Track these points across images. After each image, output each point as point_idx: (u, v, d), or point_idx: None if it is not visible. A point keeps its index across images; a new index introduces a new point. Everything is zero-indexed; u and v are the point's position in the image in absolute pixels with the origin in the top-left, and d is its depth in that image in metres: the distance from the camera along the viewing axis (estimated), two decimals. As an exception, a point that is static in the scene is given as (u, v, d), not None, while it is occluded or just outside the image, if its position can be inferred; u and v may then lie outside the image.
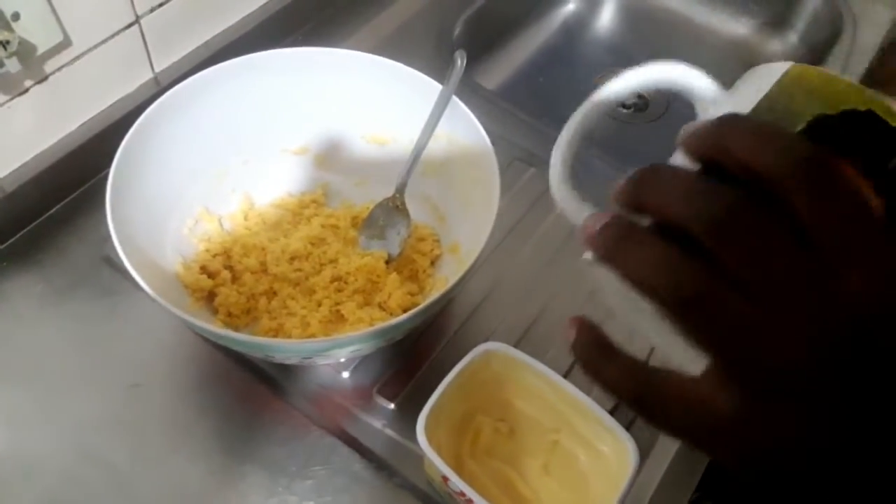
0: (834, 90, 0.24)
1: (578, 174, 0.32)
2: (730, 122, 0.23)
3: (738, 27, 1.04)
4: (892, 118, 0.23)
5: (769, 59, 0.99)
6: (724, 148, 0.23)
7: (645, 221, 0.25)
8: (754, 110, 0.25)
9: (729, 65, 0.99)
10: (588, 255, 0.26)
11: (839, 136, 0.24)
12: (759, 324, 0.22)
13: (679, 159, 0.26)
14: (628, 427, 0.50)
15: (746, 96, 0.26)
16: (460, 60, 0.60)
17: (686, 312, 0.22)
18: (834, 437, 0.22)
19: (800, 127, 0.24)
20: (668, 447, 0.57)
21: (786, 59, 1.07)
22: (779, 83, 0.25)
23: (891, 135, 0.23)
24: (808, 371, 0.22)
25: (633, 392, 0.25)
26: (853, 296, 0.21)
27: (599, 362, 0.26)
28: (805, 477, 0.23)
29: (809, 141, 0.22)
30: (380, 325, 0.49)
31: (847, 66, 0.88)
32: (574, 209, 0.30)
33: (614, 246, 0.24)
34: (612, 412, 0.51)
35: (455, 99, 0.60)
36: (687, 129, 0.25)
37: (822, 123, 0.24)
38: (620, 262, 0.24)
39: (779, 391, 0.22)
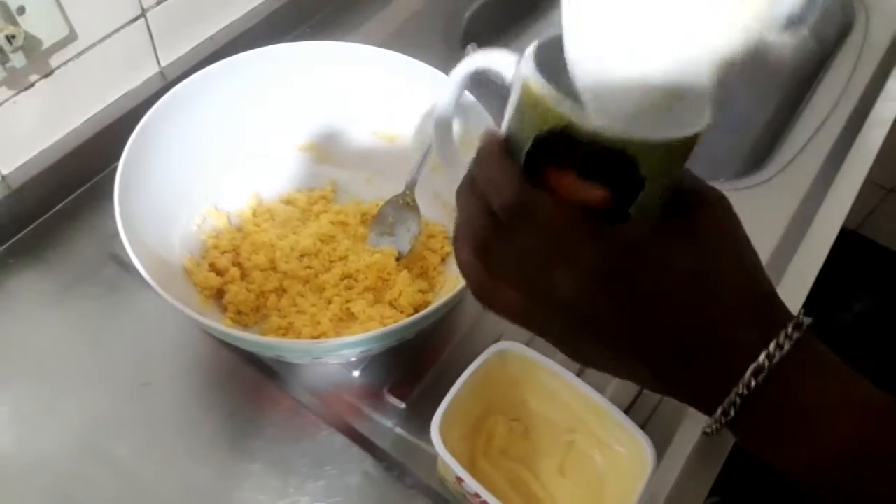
0: (543, 110, 0.30)
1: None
2: (479, 152, 0.33)
3: (748, 20, 1.03)
4: (577, 129, 0.29)
5: (780, 53, 0.98)
6: (475, 176, 0.33)
7: None
8: (507, 126, 0.32)
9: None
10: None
11: (552, 151, 0.30)
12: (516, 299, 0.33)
13: None
14: (643, 426, 0.49)
15: (511, 105, 0.32)
16: (472, 53, 0.59)
17: (473, 263, 0.34)
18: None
19: (527, 146, 0.31)
20: (684, 446, 0.56)
21: (797, 53, 1.06)
22: (518, 102, 0.31)
23: (586, 145, 0.29)
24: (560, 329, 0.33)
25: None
26: (561, 289, 0.31)
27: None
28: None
29: (531, 160, 0.31)
30: (392, 325, 0.49)
31: (859, 60, 0.87)
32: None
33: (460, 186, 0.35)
34: (627, 411, 0.50)
35: (466, 93, 0.59)
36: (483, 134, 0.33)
37: (540, 142, 0.30)
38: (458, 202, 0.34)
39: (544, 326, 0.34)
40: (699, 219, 0.32)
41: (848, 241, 0.74)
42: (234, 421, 0.57)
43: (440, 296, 0.60)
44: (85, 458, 0.54)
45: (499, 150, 0.32)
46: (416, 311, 0.58)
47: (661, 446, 0.53)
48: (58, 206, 0.67)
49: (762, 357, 0.30)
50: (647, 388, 0.35)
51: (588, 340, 0.32)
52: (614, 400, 0.50)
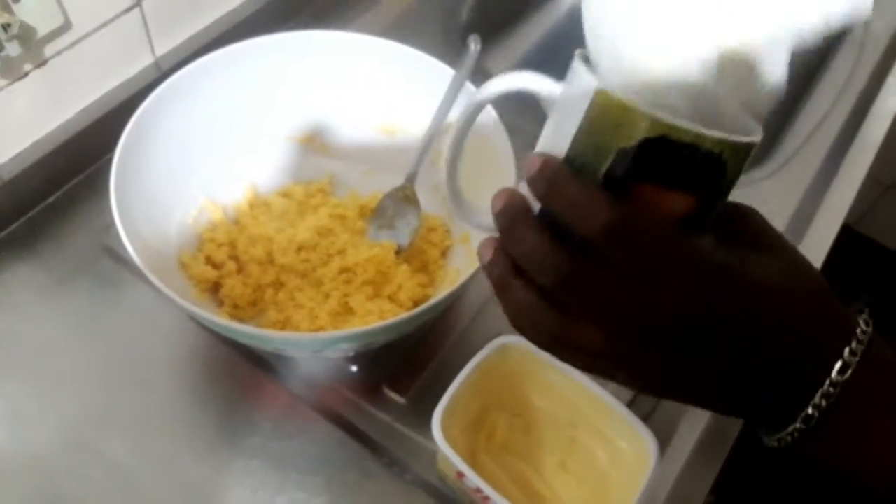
0: (630, 120, 0.27)
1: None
2: (548, 178, 0.30)
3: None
4: (680, 133, 0.27)
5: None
6: (549, 205, 0.30)
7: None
8: (572, 145, 0.30)
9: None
10: None
11: (641, 163, 0.28)
12: (603, 346, 0.30)
13: (525, 190, 0.32)
14: (645, 421, 0.48)
15: (566, 124, 0.30)
16: (474, 45, 0.58)
17: (551, 349, 0.32)
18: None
19: (607, 163, 0.28)
20: (685, 442, 0.56)
21: (798, 49, 1.06)
22: (587, 117, 0.29)
23: (683, 150, 0.27)
24: (647, 368, 0.31)
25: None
26: (665, 320, 0.29)
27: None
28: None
29: (610, 177, 0.28)
30: (392, 318, 0.48)
31: (861, 56, 0.87)
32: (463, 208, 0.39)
33: (498, 291, 0.32)
34: (629, 406, 0.50)
35: (469, 85, 0.59)
36: (527, 165, 0.31)
37: (626, 156, 0.28)
38: (504, 306, 0.32)
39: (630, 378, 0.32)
40: (747, 230, 0.31)
41: (846, 239, 0.73)
42: (230, 416, 0.56)
43: (440, 290, 0.59)
44: (79, 453, 0.53)
45: (568, 171, 0.30)
46: (416, 305, 0.58)
47: (663, 442, 0.52)
48: (51, 198, 0.66)
49: (839, 364, 0.29)
50: (716, 410, 0.33)
51: (683, 369, 0.30)
52: (616, 394, 0.49)
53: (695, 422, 0.57)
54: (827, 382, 0.29)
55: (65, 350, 0.58)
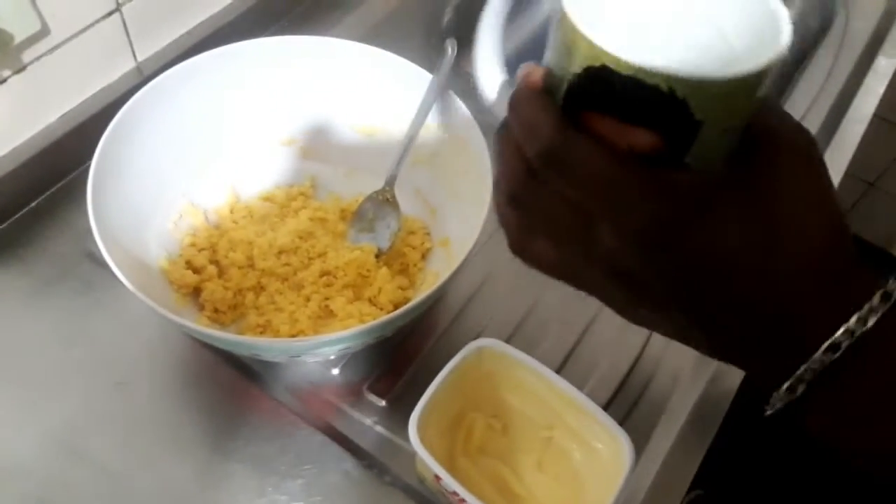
0: (577, 45, 0.26)
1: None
2: (513, 97, 0.29)
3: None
4: (620, 66, 0.26)
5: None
6: (509, 119, 0.29)
7: None
8: (545, 63, 0.29)
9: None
10: None
11: (589, 92, 0.27)
12: (554, 255, 0.31)
13: None
14: (622, 422, 0.49)
15: (550, 39, 0.29)
16: (451, 49, 0.59)
17: (509, 216, 0.32)
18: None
19: (564, 87, 0.28)
20: (663, 442, 0.56)
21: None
22: (554, 38, 0.28)
23: (629, 83, 0.26)
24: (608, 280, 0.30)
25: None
26: (604, 247, 0.28)
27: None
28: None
29: (568, 103, 0.28)
30: (370, 322, 0.48)
31: (839, 54, 0.88)
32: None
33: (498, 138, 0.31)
34: (606, 407, 0.50)
35: (447, 88, 0.59)
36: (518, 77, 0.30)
37: (578, 82, 0.27)
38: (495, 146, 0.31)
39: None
40: (773, 166, 0.28)
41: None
42: (212, 420, 0.56)
43: (420, 292, 0.60)
44: (61, 459, 0.54)
45: (536, 90, 0.29)
46: (396, 307, 0.58)
47: (640, 442, 0.53)
48: (32, 204, 0.66)
49: (840, 332, 0.27)
50: (702, 352, 0.31)
51: (631, 299, 0.30)
52: (593, 396, 0.50)
53: (672, 421, 0.58)
54: (839, 333, 0.27)
55: (47, 354, 0.58)
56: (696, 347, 0.31)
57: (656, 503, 0.54)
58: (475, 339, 0.51)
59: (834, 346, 0.27)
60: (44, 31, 0.60)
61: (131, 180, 0.57)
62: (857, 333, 0.27)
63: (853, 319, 0.27)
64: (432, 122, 0.61)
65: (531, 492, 0.50)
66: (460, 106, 0.58)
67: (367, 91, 0.64)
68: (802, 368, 0.27)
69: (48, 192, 0.67)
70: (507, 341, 0.51)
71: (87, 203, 0.51)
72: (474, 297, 0.64)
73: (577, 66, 0.27)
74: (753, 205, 0.27)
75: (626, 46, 0.25)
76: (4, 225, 0.65)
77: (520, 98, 0.29)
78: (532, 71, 0.29)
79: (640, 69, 0.25)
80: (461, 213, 0.60)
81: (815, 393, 0.28)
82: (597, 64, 0.26)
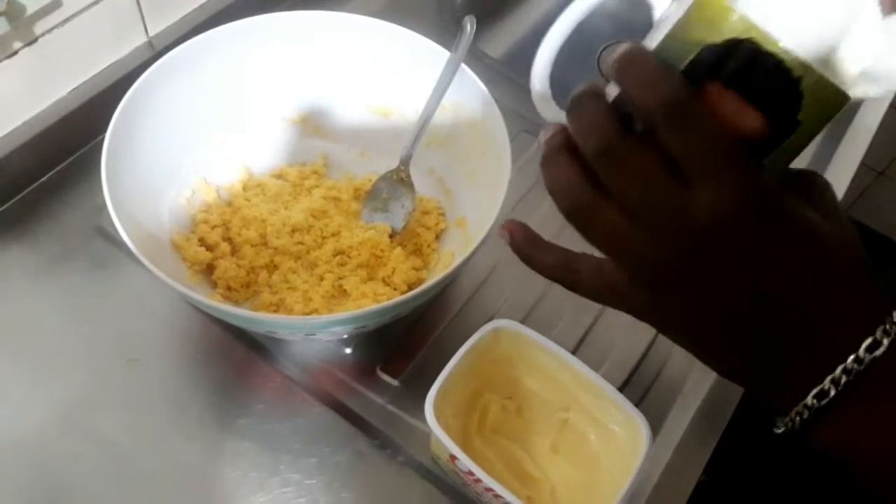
0: (723, 16, 0.27)
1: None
2: (626, 56, 0.28)
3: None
4: (767, 41, 0.26)
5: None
6: (620, 82, 0.28)
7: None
8: (662, 41, 0.28)
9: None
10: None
11: (723, 64, 0.27)
12: (626, 231, 0.29)
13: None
14: (637, 404, 0.49)
15: (662, 28, 0.29)
16: (469, 26, 0.58)
17: (574, 220, 0.30)
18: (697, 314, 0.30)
19: (689, 58, 0.27)
20: (678, 425, 0.56)
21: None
22: (686, 13, 0.28)
23: (767, 59, 0.26)
24: (667, 267, 0.29)
25: (561, 271, 0.32)
26: (699, 210, 0.27)
27: (534, 253, 0.33)
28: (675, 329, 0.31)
29: (689, 74, 0.27)
30: (386, 302, 0.48)
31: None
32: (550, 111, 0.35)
33: (543, 161, 0.31)
34: (621, 389, 0.50)
35: (464, 67, 0.58)
36: (607, 53, 0.29)
37: (709, 53, 0.27)
38: (544, 175, 0.31)
39: (648, 279, 0.30)
40: (812, 199, 0.29)
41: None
42: (223, 398, 0.56)
43: (434, 273, 0.59)
44: (71, 434, 0.53)
45: (649, 53, 0.28)
46: (410, 288, 0.58)
47: (655, 425, 0.52)
48: (43, 179, 0.66)
49: (861, 351, 0.28)
50: (712, 368, 0.32)
51: (688, 287, 0.29)
52: (608, 379, 0.49)
53: (687, 405, 0.57)
54: (851, 358, 0.28)
55: (57, 331, 0.58)
56: (708, 363, 0.32)
57: (670, 487, 0.53)
58: (489, 320, 0.50)
59: (848, 370, 0.28)
60: (56, 3, 0.59)
61: (144, 155, 0.56)
62: (874, 354, 0.28)
63: (867, 342, 0.28)
64: (448, 101, 0.60)
65: (546, 473, 0.50)
66: (479, 85, 0.57)
67: (382, 68, 0.63)
68: (817, 389, 0.28)
69: (58, 168, 0.66)
70: (522, 323, 0.51)
71: (97, 178, 0.50)
72: (489, 279, 0.63)
73: (715, 37, 0.27)
74: (815, 222, 0.29)
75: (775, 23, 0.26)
76: (14, 200, 0.64)
77: (636, 57, 0.28)
78: (632, 46, 0.29)
79: (785, 50, 0.26)
80: (477, 194, 0.59)
81: (830, 415, 0.29)
82: (743, 36, 0.26)
